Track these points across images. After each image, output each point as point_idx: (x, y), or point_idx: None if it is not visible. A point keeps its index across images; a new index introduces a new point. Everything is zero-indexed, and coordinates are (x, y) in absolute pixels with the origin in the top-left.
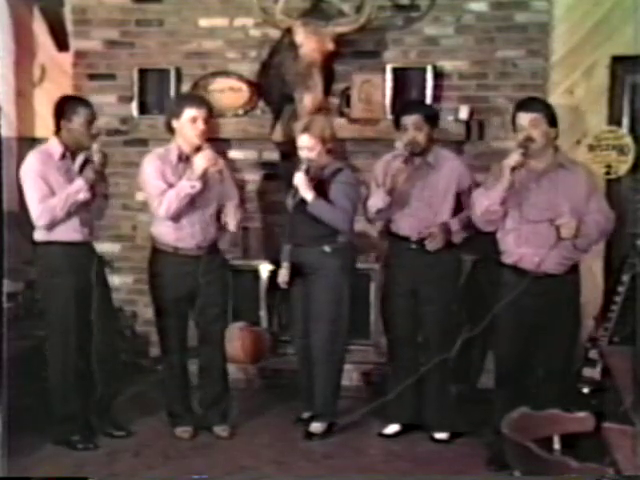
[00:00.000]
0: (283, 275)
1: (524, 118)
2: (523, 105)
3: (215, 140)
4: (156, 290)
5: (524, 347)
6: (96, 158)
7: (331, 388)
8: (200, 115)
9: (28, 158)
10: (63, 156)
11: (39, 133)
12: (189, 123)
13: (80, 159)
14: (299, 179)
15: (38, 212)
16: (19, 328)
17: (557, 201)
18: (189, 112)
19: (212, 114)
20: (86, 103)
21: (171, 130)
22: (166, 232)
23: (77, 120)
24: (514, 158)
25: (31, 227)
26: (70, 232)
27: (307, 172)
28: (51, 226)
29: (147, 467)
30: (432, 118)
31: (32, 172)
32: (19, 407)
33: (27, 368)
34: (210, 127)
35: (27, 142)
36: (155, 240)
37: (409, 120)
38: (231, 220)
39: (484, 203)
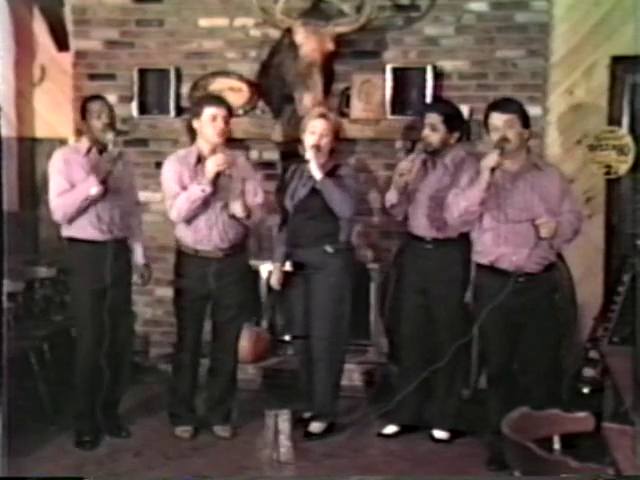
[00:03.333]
0: (275, 276)
1: (499, 119)
2: (497, 106)
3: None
4: (177, 290)
5: (510, 346)
6: (110, 147)
7: (331, 388)
8: (220, 113)
9: (55, 154)
10: (88, 151)
11: (39, 133)
12: (209, 122)
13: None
14: (312, 154)
15: (53, 205)
16: (19, 328)
17: (533, 202)
18: (209, 110)
19: (232, 114)
20: (97, 98)
21: (192, 132)
22: (186, 234)
23: (88, 115)
24: (493, 159)
25: (32, 227)
26: (89, 229)
27: (318, 149)
28: (66, 221)
29: (147, 467)
30: (452, 119)
31: (55, 168)
32: (19, 407)
33: (27, 368)
34: (229, 128)
35: (27, 142)
36: (179, 242)
37: (427, 118)
38: (237, 207)
39: (462, 204)
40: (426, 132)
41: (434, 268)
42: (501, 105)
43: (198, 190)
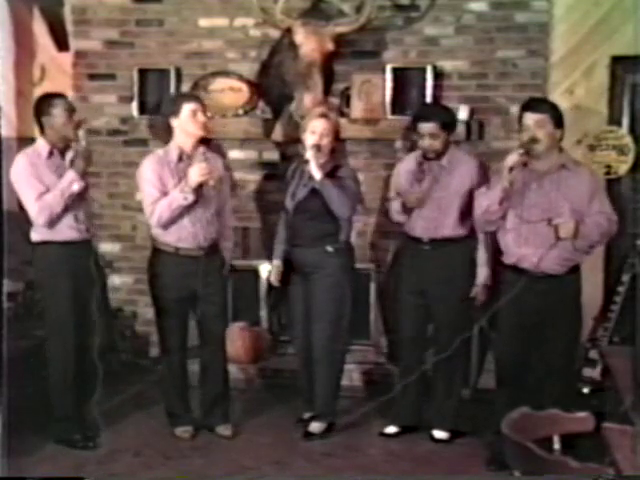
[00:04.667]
0: (274, 273)
1: (530, 118)
2: (530, 105)
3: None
4: (157, 290)
5: (525, 347)
6: (83, 142)
7: (331, 388)
8: (199, 108)
9: (17, 160)
10: (51, 154)
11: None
12: (190, 117)
13: (71, 154)
14: (312, 154)
15: (36, 211)
16: (19, 328)
17: (557, 202)
18: (188, 106)
19: (207, 111)
20: (60, 96)
21: (169, 131)
22: (167, 232)
23: (55, 113)
24: (512, 159)
25: (31, 227)
26: (66, 230)
27: (318, 149)
28: (50, 223)
29: (147, 467)
30: (450, 124)
31: (24, 172)
32: (19, 407)
33: (27, 368)
34: (209, 122)
35: (27, 142)
36: (156, 240)
37: (426, 128)
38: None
39: (484, 203)
40: (428, 141)
41: (432, 269)
42: (533, 105)
43: (180, 198)
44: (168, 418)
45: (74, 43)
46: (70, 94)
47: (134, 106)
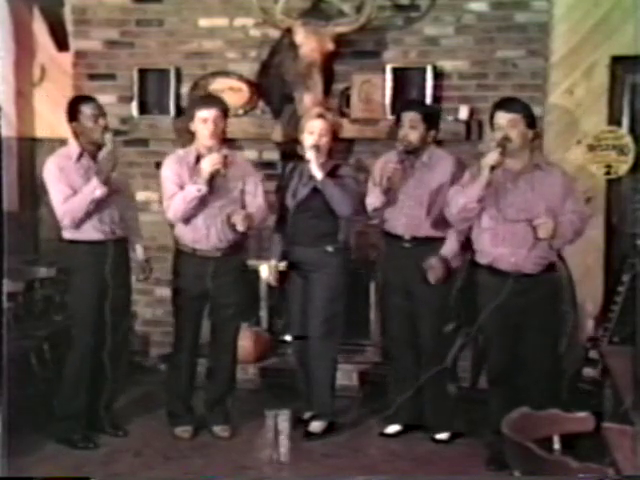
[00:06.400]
0: (273, 274)
1: (502, 118)
2: (502, 105)
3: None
4: (175, 289)
5: (511, 347)
6: (109, 146)
7: (327, 386)
8: (211, 116)
9: (48, 162)
10: (80, 156)
11: (39, 133)
12: (201, 124)
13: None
14: (312, 155)
15: (61, 213)
16: (19, 328)
17: (533, 202)
18: (200, 114)
19: (227, 114)
20: (89, 99)
21: (191, 133)
22: (184, 233)
23: (83, 118)
24: (493, 157)
25: (32, 227)
26: (91, 231)
27: (317, 149)
28: (75, 225)
29: (147, 467)
30: (430, 118)
31: (52, 176)
32: (19, 407)
33: (27, 368)
34: (224, 127)
35: (27, 142)
36: (177, 240)
37: (405, 117)
38: (238, 220)
39: (461, 201)
40: (405, 130)
41: (415, 267)
42: (506, 104)
43: (194, 190)
44: (168, 418)
45: (74, 43)
46: (70, 94)
47: (134, 106)
